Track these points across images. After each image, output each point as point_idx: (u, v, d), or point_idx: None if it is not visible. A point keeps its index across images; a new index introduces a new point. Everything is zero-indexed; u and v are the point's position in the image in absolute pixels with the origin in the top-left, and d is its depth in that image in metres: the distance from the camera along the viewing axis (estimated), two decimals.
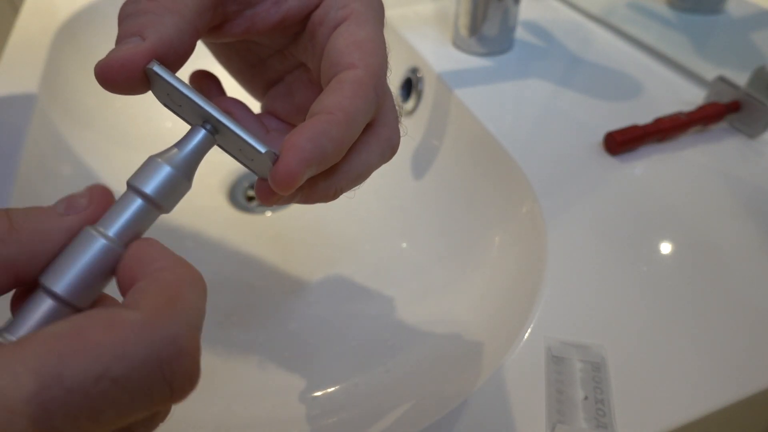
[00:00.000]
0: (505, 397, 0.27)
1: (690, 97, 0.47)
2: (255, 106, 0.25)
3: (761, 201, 0.37)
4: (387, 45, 0.21)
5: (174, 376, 0.13)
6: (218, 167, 0.54)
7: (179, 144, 0.18)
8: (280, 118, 0.25)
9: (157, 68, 0.17)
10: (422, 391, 0.32)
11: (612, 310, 0.31)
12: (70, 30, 0.56)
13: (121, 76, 0.17)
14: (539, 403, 0.27)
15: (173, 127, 0.56)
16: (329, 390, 0.35)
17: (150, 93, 0.19)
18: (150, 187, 0.17)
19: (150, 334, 0.12)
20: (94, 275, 0.16)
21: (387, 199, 0.49)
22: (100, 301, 0.17)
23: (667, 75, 0.50)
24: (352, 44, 0.20)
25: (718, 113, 0.43)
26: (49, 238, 0.15)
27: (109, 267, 0.16)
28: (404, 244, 0.46)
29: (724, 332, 0.30)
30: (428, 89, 0.52)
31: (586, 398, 0.27)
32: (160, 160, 0.17)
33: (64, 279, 0.15)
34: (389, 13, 0.23)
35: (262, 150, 0.18)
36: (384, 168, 0.22)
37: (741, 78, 0.43)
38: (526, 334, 0.30)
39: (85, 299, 0.16)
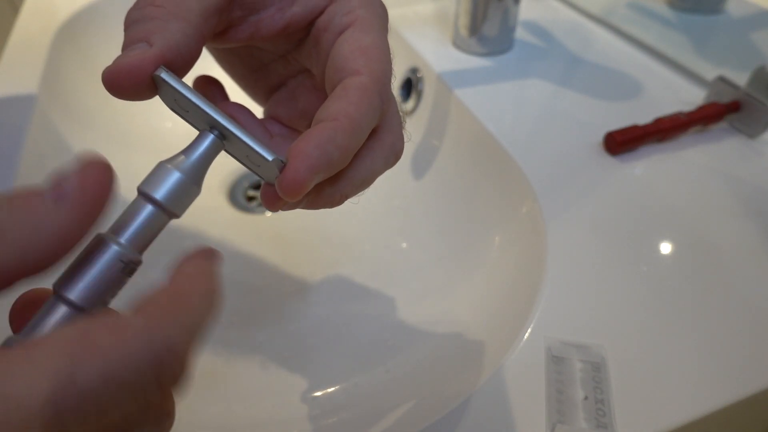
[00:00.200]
0: (505, 397, 0.27)
1: (690, 97, 0.47)
2: (257, 111, 0.25)
3: (761, 201, 0.37)
4: (391, 51, 0.21)
5: (164, 380, 0.13)
6: (218, 167, 0.53)
7: (188, 149, 0.18)
8: (282, 123, 0.25)
9: (165, 75, 0.18)
10: (422, 391, 0.32)
11: (612, 310, 0.31)
12: (70, 30, 0.56)
13: (128, 83, 0.17)
14: (539, 403, 0.27)
15: (173, 127, 0.56)
16: (329, 390, 0.35)
17: None
18: (160, 193, 0.17)
19: (149, 338, 0.13)
20: (107, 282, 0.16)
21: (387, 199, 0.49)
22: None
23: (667, 75, 0.50)
24: (356, 50, 0.20)
25: (718, 113, 0.43)
26: (39, 238, 0.14)
27: (121, 273, 0.16)
28: (404, 244, 0.46)
29: (724, 332, 0.30)
30: (428, 89, 0.52)
31: (586, 398, 0.27)
32: (169, 165, 0.18)
33: (78, 287, 0.15)
34: (389, 13, 0.23)
35: (270, 157, 0.18)
36: None
37: (741, 78, 0.43)
38: (526, 334, 0.30)
39: (99, 306, 0.16)
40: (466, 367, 0.32)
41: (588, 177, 0.39)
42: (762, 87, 0.42)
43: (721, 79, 0.44)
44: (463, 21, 0.51)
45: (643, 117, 0.42)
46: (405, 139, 0.22)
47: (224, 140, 0.19)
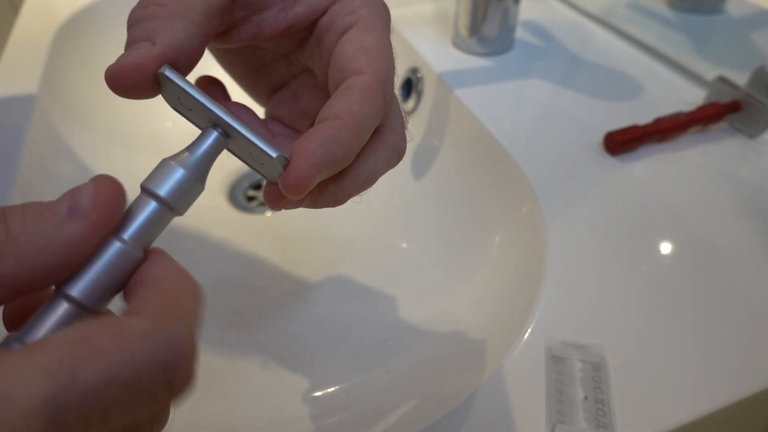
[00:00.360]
0: (505, 397, 0.27)
1: (690, 97, 0.47)
2: (259, 111, 0.25)
3: (761, 201, 0.37)
4: (394, 50, 0.21)
5: (174, 378, 0.13)
6: (218, 167, 0.53)
7: (191, 146, 0.18)
8: (284, 124, 0.25)
9: (169, 72, 0.17)
10: (422, 391, 0.32)
11: (612, 310, 0.31)
12: (70, 30, 0.56)
13: (132, 81, 0.17)
14: (539, 403, 0.27)
15: (173, 127, 0.56)
16: (329, 390, 0.35)
17: None
18: (164, 189, 0.17)
19: (154, 340, 0.13)
20: (110, 279, 0.16)
21: (387, 199, 0.49)
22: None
23: (667, 75, 0.50)
24: (359, 50, 0.20)
25: (718, 113, 0.43)
26: (50, 251, 0.14)
27: (125, 270, 0.16)
28: (404, 244, 0.46)
29: (724, 332, 0.30)
30: (428, 89, 0.52)
31: (586, 398, 0.27)
32: (173, 162, 0.18)
33: (80, 283, 0.15)
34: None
35: (274, 155, 0.18)
36: None
37: (741, 78, 0.43)
38: (526, 334, 0.30)
39: (101, 303, 0.16)
40: (466, 367, 0.32)
41: (588, 177, 0.39)
42: (762, 87, 0.42)
43: (721, 79, 0.44)
44: (463, 21, 0.51)
45: (643, 117, 0.42)
46: (407, 139, 0.22)
47: (227, 138, 0.19)
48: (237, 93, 0.26)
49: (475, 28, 0.51)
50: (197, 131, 0.19)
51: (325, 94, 0.21)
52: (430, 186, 0.48)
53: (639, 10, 0.57)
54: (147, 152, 0.53)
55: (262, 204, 0.53)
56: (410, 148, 0.51)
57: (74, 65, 0.55)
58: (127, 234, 0.16)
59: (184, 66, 0.18)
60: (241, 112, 0.23)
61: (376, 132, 0.21)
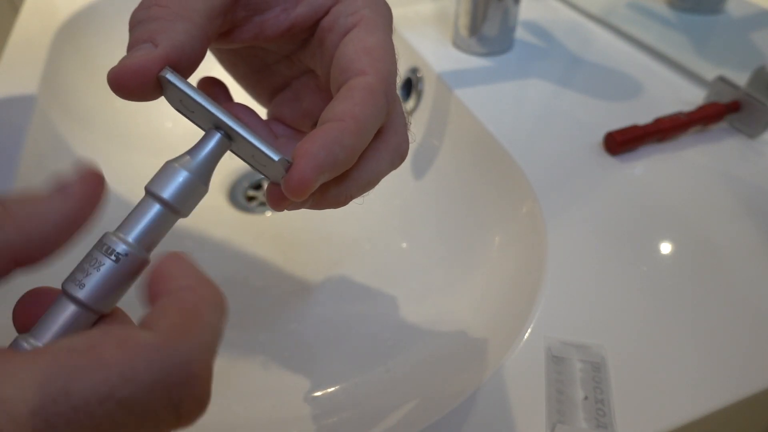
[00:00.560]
0: (505, 397, 0.27)
1: (690, 97, 0.47)
2: (261, 112, 0.25)
3: (761, 201, 0.37)
4: (396, 51, 0.21)
5: (182, 401, 0.12)
6: (218, 167, 0.53)
7: (194, 149, 0.18)
8: (286, 124, 0.25)
9: (170, 76, 0.18)
10: (422, 391, 0.32)
11: (612, 310, 0.31)
12: (70, 30, 0.56)
13: (134, 83, 0.17)
14: (539, 403, 0.27)
15: (173, 127, 0.56)
16: (330, 390, 0.35)
17: None
18: (168, 192, 0.17)
19: (161, 358, 0.12)
20: (115, 281, 0.16)
21: (387, 199, 0.49)
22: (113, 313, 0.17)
23: (667, 75, 0.50)
24: (361, 51, 0.20)
25: (718, 113, 0.43)
26: (45, 220, 0.15)
27: (130, 273, 0.16)
28: (404, 244, 0.46)
29: (724, 332, 0.30)
30: (428, 89, 0.52)
31: (586, 398, 0.27)
32: (177, 165, 0.18)
33: (87, 285, 0.16)
34: None
35: (276, 158, 0.18)
36: None
37: (741, 78, 0.43)
38: (526, 334, 0.30)
39: (107, 304, 0.16)
40: (466, 367, 0.32)
41: (588, 177, 0.39)
42: (762, 87, 0.42)
43: (721, 79, 0.44)
44: (463, 21, 0.51)
45: (643, 117, 0.42)
46: (410, 140, 0.22)
47: (230, 140, 0.19)
48: (239, 93, 0.26)
49: (475, 28, 0.51)
50: (197, 131, 0.19)
51: (327, 94, 0.21)
52: (430, 186, 0.48)
53: (639, 10, 0.57)
54: (147, 152, 0.53)
55: (262, 204, 0.53)
56: (410, 148, 0.51)
57: (74, 65, 0.55)
58: (132, 236, 0.16)
59: (187, 67, 0.18)
60: (243, 113, 0.23)
61: (379, 133, 0.20)
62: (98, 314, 0.16)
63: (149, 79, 0.17)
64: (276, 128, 0.24)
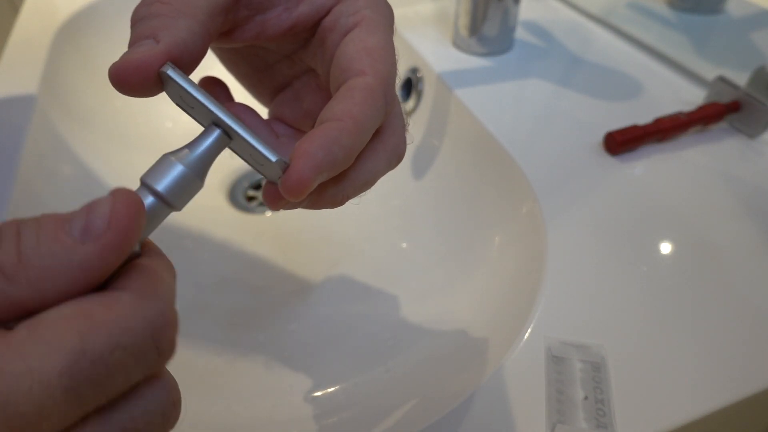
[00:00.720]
0: (505, 397, 0.27)
1: (690, 97, 0.47)
2: (262, 112, 0.25)
3: (761, 201, 0.37)
4: (396, 51, 0.21)
5: (161, 342, 0.14)
6: (218, 167, 0.53)
7: (193, 143, 0.18)
8: (287, 124, 0.25)
9: (171, 72, 0.18)
10: (422, 391, 0.32)
11: (612, 310, 0.31)
12: (70, 30, 0.56)
13: (135, 79, 0.17)
14: (539, 403, 0.27)
15: (173, 127, 0.56)
16: (329, 390, 0.35)
17: None
18: (162, 184, 0.17)
19: (144, 310, 0.14)
20: None
21: (387, 199, 0.49)
22: None
23: (667, 75, 0.50)
24: (362, 51, 0.20)
25: (718, 113, 0.43)
26: (62, 276, 0.13)
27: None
28: (404, 244, 0.46)
29: (724, 332, 0.30)
30: (428, 89, 0.52)
31: (586, 398, 0.27)
32: (173, 158, 0.18)
33: None
34: None
35: (273, 159, 0.18)
36: None
37: (741, 78, 0.43)
38: (526, 334, 0.30)
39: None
40: (466, 367, 0.32)
41: (588, 177, 0.39)
42: (762, 87, 0.42)
43: (721, 79, 0.44)
44: (463, 21, 0.51)
45: (643, 117, 0.42)
46: (408, 141, 0.22)
47: (229, 138, 0.19)
48: (240, 93, 0.26)
49: (475, 28, 0.51)
50: (197, 131, 0.19)
51: (328, 94, 0.21)
52: (430, 186, 0.48)
53: (639, 10, 0.57)
54: (147, 152, 0.53)
55: (262, 204, 0.53)
56: (410, 148, 0.51)
57: (74, 65, 0.55)
58: None
59: (188, 64, 0.19)
60: (244, 113, 0.23)
61: (377, 133, 0.20)
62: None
63: (150, 74, 0.17)
64: (277, 128, 0.24)
